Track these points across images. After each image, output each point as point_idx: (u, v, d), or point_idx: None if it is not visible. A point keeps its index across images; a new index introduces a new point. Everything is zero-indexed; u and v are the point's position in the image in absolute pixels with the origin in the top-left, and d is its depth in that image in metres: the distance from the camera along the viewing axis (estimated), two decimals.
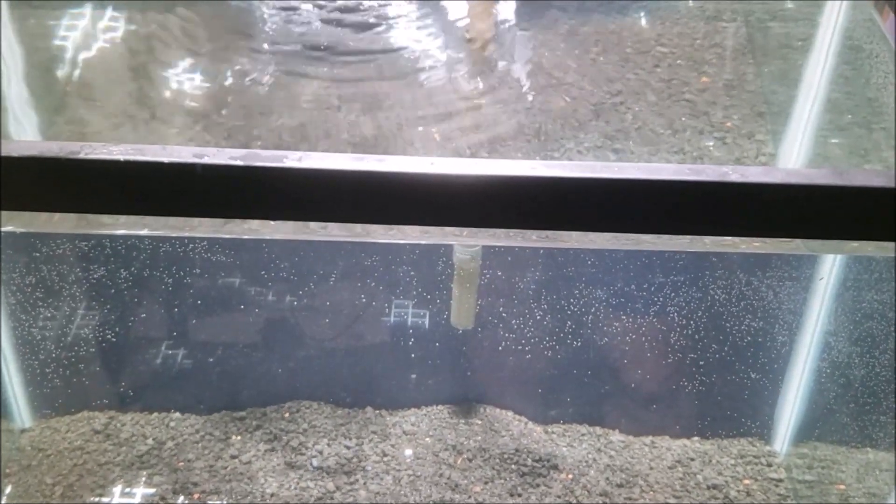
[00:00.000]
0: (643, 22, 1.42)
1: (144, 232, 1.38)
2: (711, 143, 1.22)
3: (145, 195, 0.69)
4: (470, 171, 0.66)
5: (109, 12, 1.39)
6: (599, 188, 0.67)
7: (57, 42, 1.34)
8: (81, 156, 0.66)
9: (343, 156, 0.67)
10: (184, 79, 1.27)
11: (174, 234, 1.46)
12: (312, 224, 1.14)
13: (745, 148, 1.22)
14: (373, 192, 0.68)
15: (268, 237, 1.48)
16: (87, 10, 1.39)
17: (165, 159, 0.67)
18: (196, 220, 1.18)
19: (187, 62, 1.30)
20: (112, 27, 1.37)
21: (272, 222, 1.14)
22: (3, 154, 0.67)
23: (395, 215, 0.70)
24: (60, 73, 1.28)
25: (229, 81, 1.26)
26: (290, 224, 1.17)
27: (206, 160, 0.66)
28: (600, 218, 0.69)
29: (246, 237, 1.48)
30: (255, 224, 1.19)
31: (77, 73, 1.28)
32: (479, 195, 0.67)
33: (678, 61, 1.35)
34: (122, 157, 0.66)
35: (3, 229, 1.39)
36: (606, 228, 0.70)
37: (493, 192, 0.67)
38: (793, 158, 1.24)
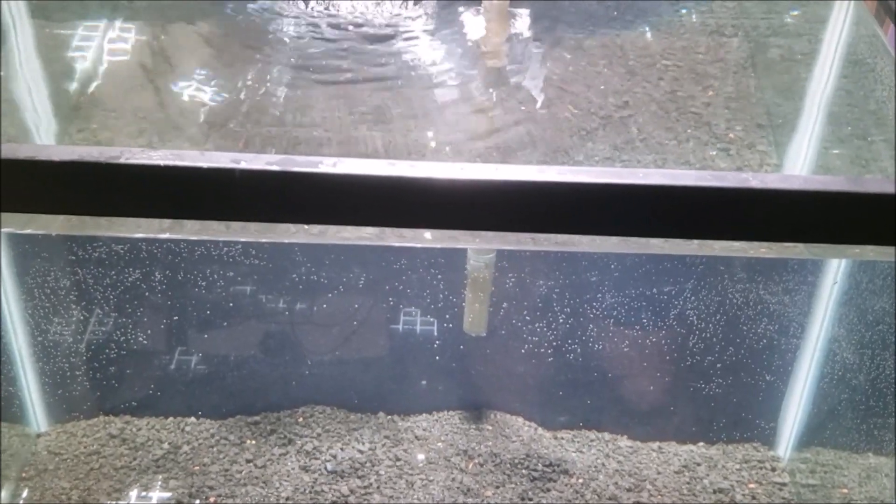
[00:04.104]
0: (648, 36, 1.44)
1: (165, 235, 1.39)
2: (715, 153, 1.24)
3: (183, 200, 0.70)
4: (501, 176, 0.68)
5: (123, 24, 1.41)
6: (626, 193, 0.69)
7: (71, 53, 1.35)
8: (122, 161, 0.68)
9: (376, 161, 0.69)
10: (196, 90, 1.28)
11: (191, 238, 1.47)
12: (323, 228, 1.15)
13: (748, 158, 1.24)
14: (405, 196, 0.69)
15: (281, 241, 1.48)
16: (102, 22, 1.41)
17: (204, 164, 0.68)
18: (213, 225, 1.19)
19: (200, 74, 1.32)
20: (125, 38, 1.38)
21: (282, 226, 1.16)
22: (43, 158, 0.68)
23: (427, 219, 0.72)
24: (74, 84, 1.29)
25: (242, 93, 1.27)
26: (301, 228, 1.18)
27: (244, 165, 0.68)
28: (625, 222, 0.71)
29: (261, 241, 1.48)
30: (270, 228, 1.20)
31: (91, 84, 1.29)
32: (512, 200, 0.69)
33: (682, 74, 1.37)
34: (161, 163, 0.68)
35: (21, 232, 1.40)
36: (631, 233, 0.72)
37: (525, 197, 0.68)
38: (795, 169, 1.26)
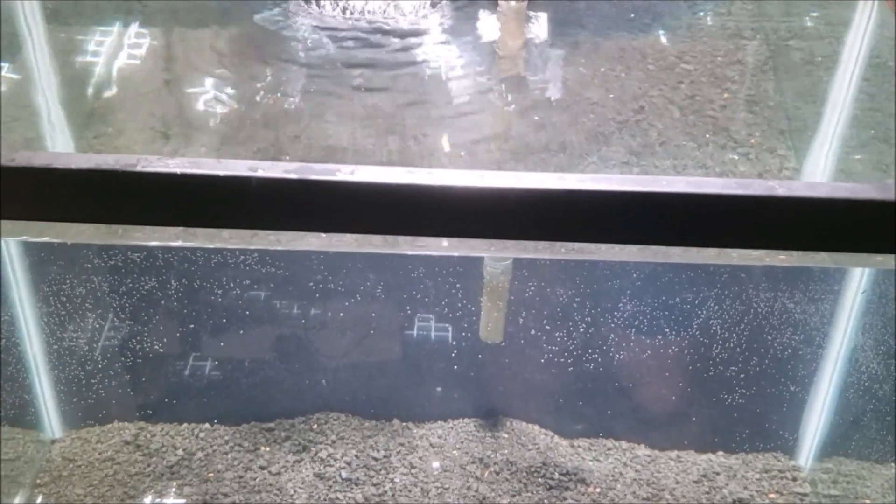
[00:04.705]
0: (665, 40, 1.44)
1: (177, 243, 1.39)
2: (735, 158, 1.23)
3: (200, 208, 0.70)
4: (521, 184, 0.67)
5: (138, 29, 1.41)
6: (650, 201, 0.68)
7: (86, 58, 1.35)
8: (138, 168, 0.67)
9: (395, 169, 0.68)
10: (211, 95, 1.29)
11: (205, 246, 1.47)
12: (337, 235, 1.15)
13: (768, 163, 1.23)
14: (424, 205, 0.69)
15: (296, 249, 1.48)
16: (116, 26, 1.41)
17: (221, 172, 0.68)
18: (226, 232, 1.19)
19: (215, 78, 1.32)
20: (140, 43, 1.38)
21: (297, 234, 1.15)
22: (59, 166, 0.68)
23: (446, 228, 0.71)
24: (89, 88, 1.30)
25: (256, 98, 1.27)
26: (317, 236, 1.18)
27: (261, 173, 0.67)
28: (648, 231, 0.70)
29: (275, 248, 1.48)
30: (284, 236, 1.20)
31: (106, 89, 1.30)
32: (532, 208, 0.68)
33: (700, 78, 1.36)
34: (178, 171, 0.67)
35: (37, 240, 1.41)
36: (654, 242, 0.71)
37: (546, 205, 0.67)
38: (815, 173, 1.25)
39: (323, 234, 1.12)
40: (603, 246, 1.18)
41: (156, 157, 0.68)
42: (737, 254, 1.22)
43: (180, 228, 1.14)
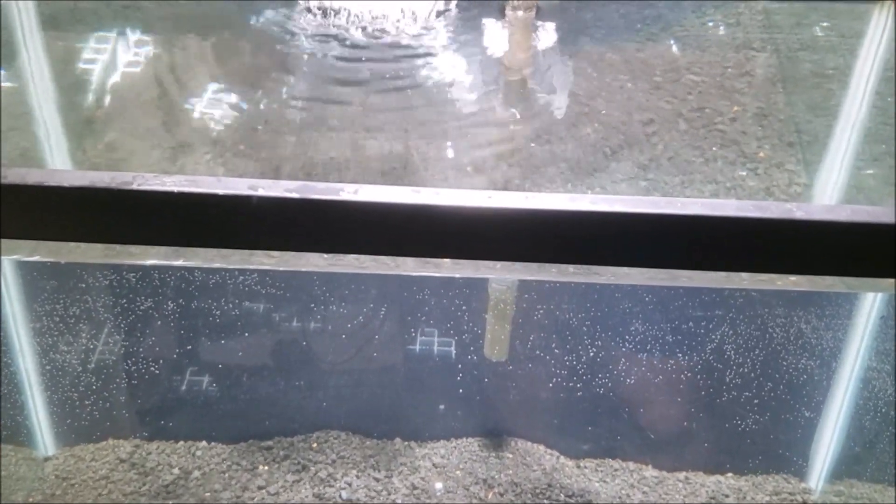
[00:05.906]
0: (674, 51, 1.42)
1: (179, 262, 1.38)
2: (744, 173, 1.21)
3: (198, 227, 0.68)
4: (531, 205, 0.65)
5: (137, 37, 1.39)
6: (664, 224, 0.66)
7: (84, 67, 1.33)
8: (134, 187, 0.66)
9: (400, 188, 0.66)
10: (211, 105, 1.27)
11: (202, 265, 1.45)
12: (342, 255, 1.14)
13: (778, 178, 1.21)
14: (430, 225, 0.67)
15: (299, 269, 1.47)
16: (114, 35, 1.40)
17: (220, 191, 0.66)
18: (226, 251, 1.17)
19: (215, 87, 1.30)
20: (139, 53, 1.37)
21: (298, 253, 1.14)
22: (53, 184, 0.66)
23: (452, 249, 0.69)
24: (87, 97, 1.28)
25: (256, 108, 1.26)
26: (319, 256, 1.16)
27: (261, 192, 0.66)
28: (662, 254, 0.68)
29: (279, 269, 1.47)
30: (286, 255, 1.18)
31: (104, 97, 1.28)
32: (542, 230, 0.66)
33: (709, 90, 1.34)
34: (175, 189, 0.66)
35: (29, 259, 1.39)
36: (668, 265, 0.70)
37: (557, 227, 0.65)
38: (826, 189, 1.23)
39: (325, 255, 1.10)
40: (610, 267, 1.17)
41: (152, 174, 0.66)
42: (746, 277, 1.20)
43: (179, 247, 1.12)
